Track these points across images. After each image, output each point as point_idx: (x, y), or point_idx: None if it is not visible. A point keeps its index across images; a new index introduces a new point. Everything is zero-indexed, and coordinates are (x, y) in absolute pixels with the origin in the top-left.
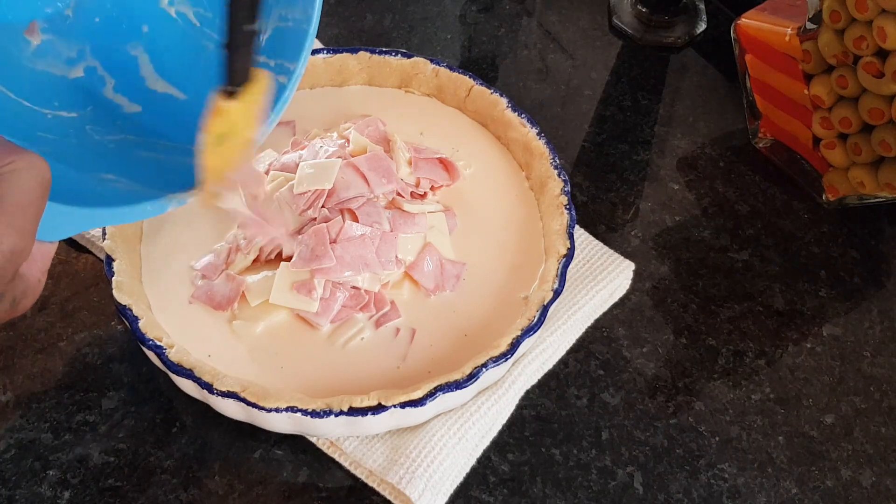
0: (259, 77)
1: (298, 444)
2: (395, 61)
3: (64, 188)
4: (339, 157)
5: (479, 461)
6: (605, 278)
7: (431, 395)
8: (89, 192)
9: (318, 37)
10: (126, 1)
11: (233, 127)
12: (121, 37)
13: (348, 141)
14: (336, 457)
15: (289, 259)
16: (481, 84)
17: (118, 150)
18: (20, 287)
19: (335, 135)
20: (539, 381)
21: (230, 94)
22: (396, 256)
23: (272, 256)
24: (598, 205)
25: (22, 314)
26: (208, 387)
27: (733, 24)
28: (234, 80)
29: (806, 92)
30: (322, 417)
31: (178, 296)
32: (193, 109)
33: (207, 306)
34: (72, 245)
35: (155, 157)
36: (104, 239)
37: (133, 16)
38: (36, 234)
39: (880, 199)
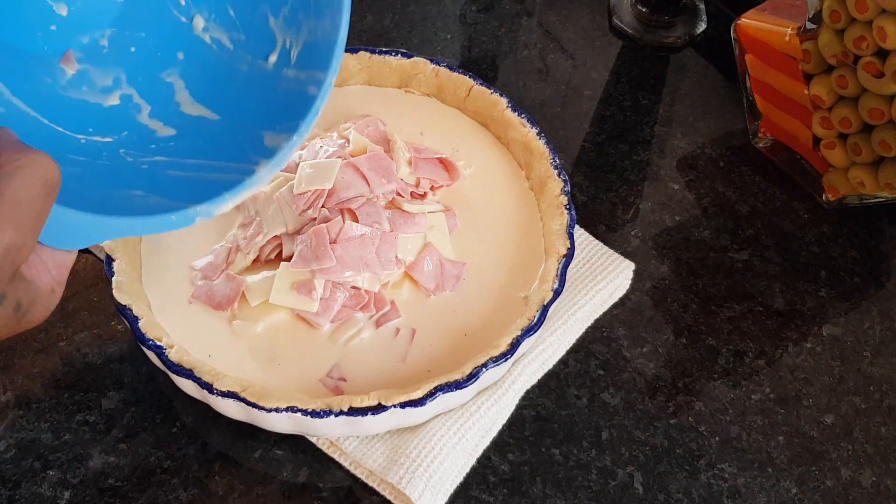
0: None
1: (298, 444)
2: (395, 61)
3: (85, 197)
4: (339, 157)
5: (479, 461)
6: (605, 278)
7: (431, 395)
8: (113, 203)
9: None
10: (162, 30)
11: None
12: (156, 64)
13: (348, 141)
14: (336, 457)
15: (289, 259)
16: (481, 84)
17: (150, 171)
18: (25, 292)
19: (335, 135)
20: (539, 381)
21: None
22: (396, 256)
23: (272, 256)
24: (598, 205)
25: (30, 327)
26: (208, 387)
27: (733, 24)
28: None
29: (806, 92)
30: (322, 417)
31: (178, 296)
32: (227, 128)
33: (207, 306)
34: None
35: (186, 176)
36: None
37: (169, 44)
38: (38, 232)
39: (880, 199)
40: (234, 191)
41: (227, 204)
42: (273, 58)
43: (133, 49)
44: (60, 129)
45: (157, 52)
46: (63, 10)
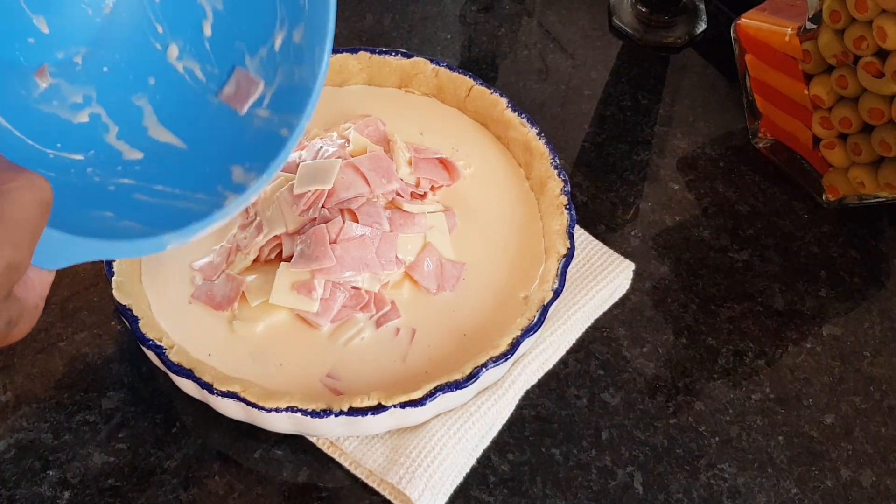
0: None
1: (298, 444)
2: (395, 61)
3: (64, 219)
4: (339, 157)
5: (479, 461)
6: (605, 278)
7: (431, 395)
8: (87, 225)
9: None
10: (135, 54)
11: None
12: (127, 87)
13: (348, 141)
14: (336, 457)
15: (289, 259)
16: (481, 84)
17: (117, 193)
18: (15, 309)
19: (335, 135)
20: (539, 381)
21: None
22: (396, 256)
23: (272, 256)
24: (598, 205)
25: (15, 341)
26: (208, 387)
27: (733, 24)
28: None
29: (806, 92)
30: (322, 417)
31: (178, 296)
32: (194, 158)
33: (207, 306)
34: None
35: (153, 202)
36: None
37: (141, 68)
38: (33, 251)
39: (880, 199)
40: (203, 222)
41: (196, 234)
42: None
43: (106, 69)
44: (31, 142)
45: (128, 74)
46: (43, 25)
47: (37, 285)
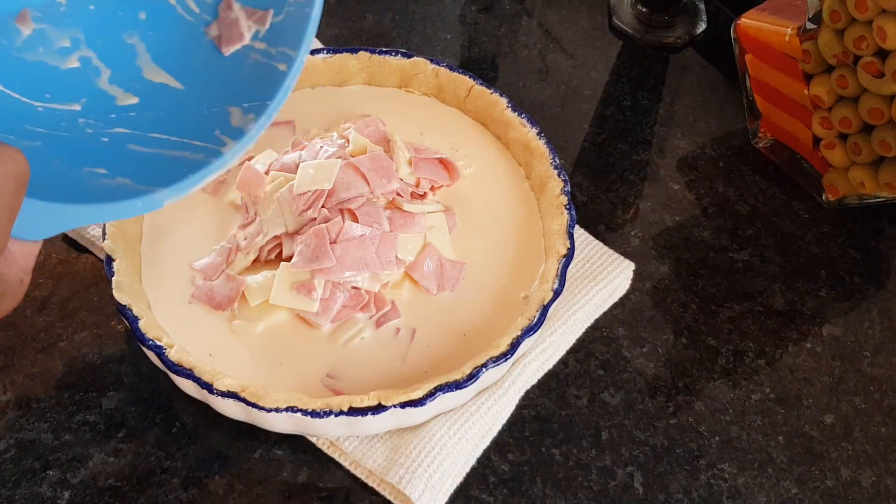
0: None
1: (298, 444)
2: (395, 61)
3: (49, 184)
4: (339, 157)
5: (479, 461)
6: (605, 278)
7: (431, 395)
8: (77, 188)
9: (317, 37)
10: None
11: None
12: (117, 25)
13: (348, 141)
14: (336, 457)
15: (289, 259)
16: (481, 84)
17: (111, 144)
18: None
19: (335, 135)
20: (539, 381)
21: None
22: (396, 256)
23: (272, 256)
24: (598, 205)
25: (6, 314)
26: (208, 387)
27: (733, 24)
28: None
29: (806, 92)
30: (322, 417)
31: (178, 296)
32: (191, 100)
33: (207, 306)
34: (72, 245)
35: (149, 152)
36: (104, 239)
37: (129, 2)
38: (10, 227)
39: (880, 199)
40: (200, 173)
41: (193, 187)
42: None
43: (92, 7)
44: (17, 95)
45: (117, 10)
46: None
47: (20, 258)
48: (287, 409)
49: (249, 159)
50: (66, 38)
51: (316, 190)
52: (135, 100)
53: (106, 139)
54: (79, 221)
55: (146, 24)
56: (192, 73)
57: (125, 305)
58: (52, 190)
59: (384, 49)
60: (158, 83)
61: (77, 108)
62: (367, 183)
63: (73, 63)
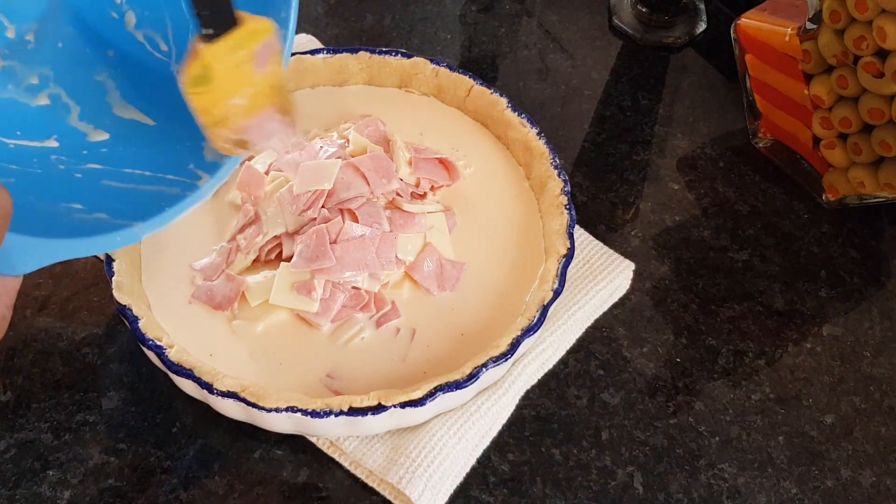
0: (250, 23)
1: (298, 444)
2: (395, 61)
3: (28, 220)
4: (339, 157)
5: (479, 461)
6: (605, 278)
7: (431, 395)
8: (55, 223)
9: (318, 37)
10: (90, 26)
11: (207, 70)
12: (86, 63)
13: (348, 141)
14: (336, 457)
15: (289, 259)
16: (481, 84)
17: (85, 180)
18: None
19: (335, 135)
20: (539, 381)
21: (209, 38)
22: (396, 256)
23: (272, 256)
24: (598, 205)
25: None
26: (208, 387)
27: (733, 24)
28: (206, 23)
29: (806, 92)
30: (322, 417)
31: (178, 296)
32: (163, 135)
33: (207, 306)
34: None
35: (124, 187)
36: None
37: (98, 41)
38: None
39: (880, 199)
40: (177, 206)
41: (170, 221)
42: None
43: (60, 45)
44: None
45: (85, 49)
46: None
47: (2, 294)
48: (287, 409)
49: (249, 159)
50: (34, 75)
51: (316, 190)
52: (105, 136)
53: (79, 175)
54: (59, 256)
55: (115, 61)
56: (162, 109)
57: (125, 305)
58: (31, 225)
59: (384, 49)
60: (129, 119)
61: (49, 144)
62: (367, 183)
63: (43, 100)
